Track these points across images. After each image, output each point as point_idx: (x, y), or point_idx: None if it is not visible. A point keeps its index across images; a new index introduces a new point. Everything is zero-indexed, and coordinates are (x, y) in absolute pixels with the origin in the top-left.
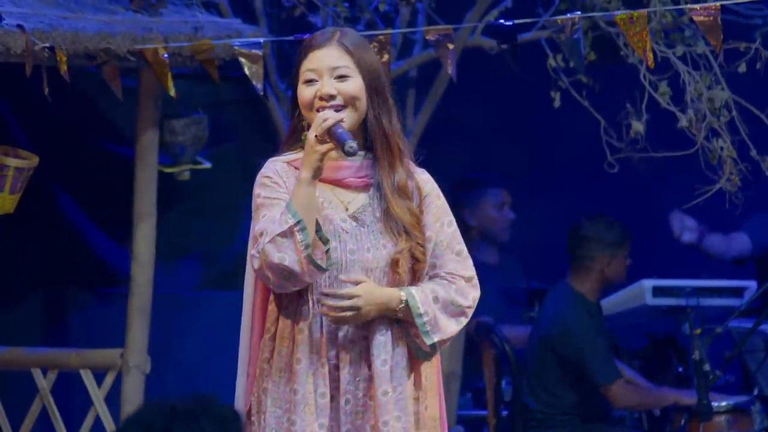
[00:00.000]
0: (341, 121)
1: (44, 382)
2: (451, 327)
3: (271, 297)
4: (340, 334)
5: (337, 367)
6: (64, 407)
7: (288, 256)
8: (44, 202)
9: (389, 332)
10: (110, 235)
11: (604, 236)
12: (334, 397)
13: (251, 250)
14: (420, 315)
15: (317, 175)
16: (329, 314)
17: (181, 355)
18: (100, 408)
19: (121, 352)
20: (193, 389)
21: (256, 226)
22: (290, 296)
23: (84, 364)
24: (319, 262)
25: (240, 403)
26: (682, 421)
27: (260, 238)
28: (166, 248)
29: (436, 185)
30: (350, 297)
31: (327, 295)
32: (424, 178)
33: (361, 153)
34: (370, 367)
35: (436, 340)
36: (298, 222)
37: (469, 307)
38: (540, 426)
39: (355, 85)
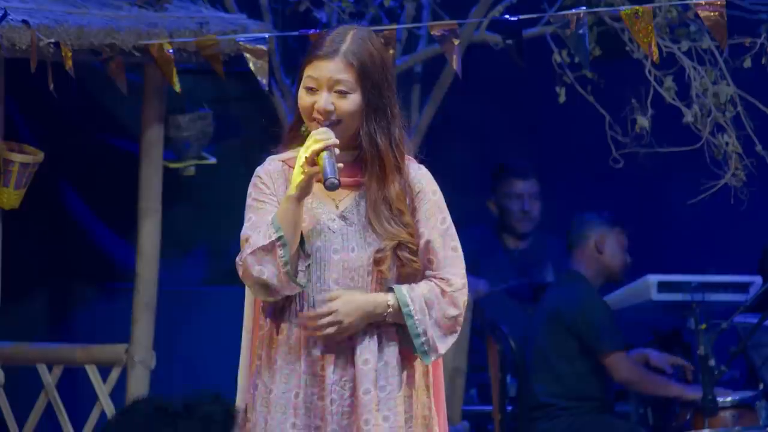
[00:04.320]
0: (334, 147)
1: (49, 378)
2: (446, 343)
3: None
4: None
5: (323, 368)
6: (70, 402)
7: (267, 270)
8: (49, 197)
9: (375, 333)
10: (115, 230)
11: (596, 217)
12: (321, 398)
13: (238, 256)
14: (418, 335)
15: (303, 195)
16: (313, 333)
17: (186, 350)
18: (106, 403)
19: (126, 347)
20: (198, 385)
21: (242, 229)
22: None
23: (89, 359)
24: (298, 279)
25: (241, 401)
26: (687, 416)
27: (245, 245)
28: (172, 244)
29: (432, 181)
30: (328, 313)
31: (306, 316)
32: (419, 174)
33: (353, 153)
34: (355, 367)
35: (432, 359)
36: (280, 238)
37: (459, 315)
38: (544, 417)
39: (353, 103)
